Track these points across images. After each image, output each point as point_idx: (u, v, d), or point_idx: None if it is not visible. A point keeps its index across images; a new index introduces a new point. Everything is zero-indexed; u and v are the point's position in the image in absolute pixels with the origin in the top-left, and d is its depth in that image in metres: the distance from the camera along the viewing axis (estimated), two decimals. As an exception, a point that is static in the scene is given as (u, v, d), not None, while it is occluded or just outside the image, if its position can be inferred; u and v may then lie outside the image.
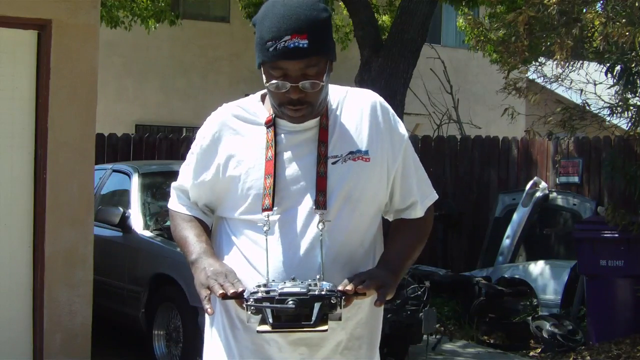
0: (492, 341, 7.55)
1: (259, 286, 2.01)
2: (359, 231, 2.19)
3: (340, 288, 2.01)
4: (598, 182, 8.87)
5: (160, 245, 6.32)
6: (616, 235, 6.91)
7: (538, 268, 8.03)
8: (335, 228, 2.14)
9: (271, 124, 2.20)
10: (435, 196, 2.35)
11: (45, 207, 5.47)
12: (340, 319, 2.03)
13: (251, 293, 2.00)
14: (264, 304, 1.97)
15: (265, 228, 2.13)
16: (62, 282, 5.55)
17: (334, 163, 2.17)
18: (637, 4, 6.25)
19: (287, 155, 2.18)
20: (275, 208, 2.14)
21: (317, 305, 1.97)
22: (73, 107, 5.56)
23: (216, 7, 16.22)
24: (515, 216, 8.83)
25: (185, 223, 2.29)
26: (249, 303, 1.99)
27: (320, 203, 2.13)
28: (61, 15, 5.49)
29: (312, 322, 1.97)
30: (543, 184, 8.92)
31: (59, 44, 5.48)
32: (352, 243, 2.18)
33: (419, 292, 6.06)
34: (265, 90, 2.26)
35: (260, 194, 2.15)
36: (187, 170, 2.31)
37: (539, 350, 7.21)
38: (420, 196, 2.28)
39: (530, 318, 7.46)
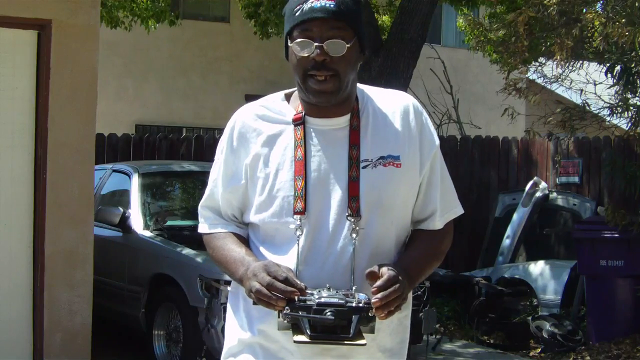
0: (492, 341, 7.54)
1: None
2: (389, 239, 2.12)
3: (373, 301, 1.93)
4: (598, 182, 8.87)
5: (160, 245, 6.32)
6: (616, 235, 6.90)
7: (538, 268, 8.02)
8: (367, 236, 2.07)
9: (300, 121, 2.11)
10: (459, 210, 2.26)
11: (45, 207, 5.47)
12: (373, 331, 1.96)
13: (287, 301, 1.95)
14: (300, 313, 1.92)
15: (297, 233, 2.05)
16: (62, 282, 5.55)
17: (364, 167, 2.09)
18: (637, 4, 6.26)
19: (316, 155, 2.10)
20: (306, 212, 2.06)
21: (355, 318, 1.92)
22: (73, 107, 5.55)
23: (216, 7, 16.21)
24: (515, 216, 8.83)
25: (221, 241, 2.18)
26: (285, 312, 1.93)
27: (354, 210, 2.05)
28: (61, 15, 5.49)
29: (350, 335, 1.92)
30: (543, 184, 8.92)
31: (59, 44, 5.48)
32: (383, 251, 2.10)
33: (419, 292, 6.05)
34: (288, 90, 2.21)
35: (289, 196, 2.07)
36: (215, 180, 2.21)
37: (539, 350, 7.21)
38: (441, 207, 2.20)
39: (530, 318, 7.45)
